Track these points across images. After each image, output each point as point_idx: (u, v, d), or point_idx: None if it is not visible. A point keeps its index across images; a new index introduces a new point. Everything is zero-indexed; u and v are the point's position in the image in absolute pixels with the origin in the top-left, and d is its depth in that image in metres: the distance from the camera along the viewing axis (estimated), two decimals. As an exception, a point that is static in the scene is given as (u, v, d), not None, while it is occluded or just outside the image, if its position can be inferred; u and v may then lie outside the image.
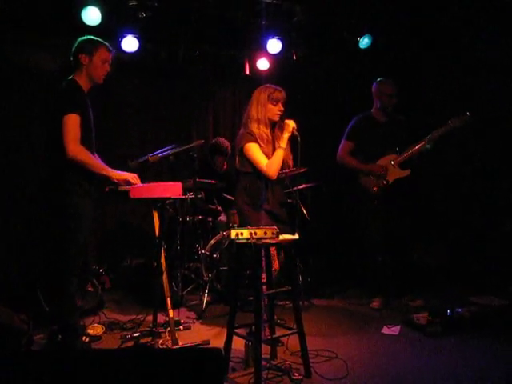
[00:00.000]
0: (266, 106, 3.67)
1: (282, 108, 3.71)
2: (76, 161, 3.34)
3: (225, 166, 5.92)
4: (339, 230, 6.35)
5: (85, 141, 3.41)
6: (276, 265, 3.86)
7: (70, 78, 3.55)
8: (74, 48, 3.57)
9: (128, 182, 3.54)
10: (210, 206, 5.58)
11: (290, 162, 3.82)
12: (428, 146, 4.60)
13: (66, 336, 3.47)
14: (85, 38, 3.60)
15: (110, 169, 3.52)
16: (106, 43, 3.63)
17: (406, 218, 4.87)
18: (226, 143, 5.78)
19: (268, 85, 3.77)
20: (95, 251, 6.02)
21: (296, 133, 3.62)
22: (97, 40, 3.60)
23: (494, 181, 5.41)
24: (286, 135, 3.64)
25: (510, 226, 5.22)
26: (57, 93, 3.48)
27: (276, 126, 3.80)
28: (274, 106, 3.68)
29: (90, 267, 5.35)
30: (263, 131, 3.69)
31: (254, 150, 3.65)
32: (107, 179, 3.51)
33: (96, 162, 3.45)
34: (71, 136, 3.31)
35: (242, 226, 3.60)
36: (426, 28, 5.64)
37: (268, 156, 3.68)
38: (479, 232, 5.55)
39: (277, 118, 3.73)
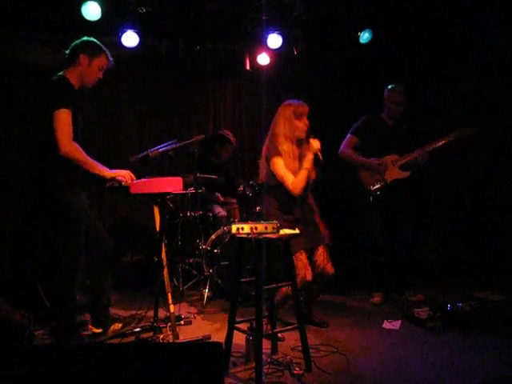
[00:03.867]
0: (292, 122, 3.77)
1: (307, 122, 3.81)
2: (69, 157, 3.32)
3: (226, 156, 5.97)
4: (339, 225, 6.34)
5: (74, 137, 3.39)
6: (309, 275, 3.71)
7: (60, 74, 3.51)
8: (75, 45, 3.55)
9: (121, 179, 3.52)
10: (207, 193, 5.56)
11: (313, 176, 3.87)
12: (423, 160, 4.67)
13: (63, 332, 3.47)
14: (89, 39, 3.59)
15: (102, 167, 3.50)
16: (107, 51, 3.64)
17: (407, 213, 4.87)
18: (231, 134, 5.90)
19: (291, 100, 3.86)
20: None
21: (319, 154, 3.71)
22: (100, 45, 3.61)
23: (494, 176, 5.41)
24: (311, 156, 3.72)
25: (510, 222, 5.22)
26: (47, 88, 3.45)
27: (303, 142, 3.86)
28: (300, 120, 3.77)
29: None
30: (290, 148, 3.79)
31: (280, 166, 3.75)
32: (100, 177, 3.49)
33: (89, 160, 3.42)
34: (64, 132, 3.29)
35: None
36: (427, 23, 5.63)
37: (294, 172, 3.75)
38: (480, 227, 5.55)
39: (303, 135, 3.80)
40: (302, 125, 3.78)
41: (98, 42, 3.63)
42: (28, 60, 5.43)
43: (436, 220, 6.01)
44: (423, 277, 5.31)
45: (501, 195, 5.36)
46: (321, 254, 3.85)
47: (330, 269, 3.84)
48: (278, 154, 3.76)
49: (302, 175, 3.70)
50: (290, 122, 3.77)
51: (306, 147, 3.80)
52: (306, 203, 3.94)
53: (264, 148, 3.93)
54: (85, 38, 3.59)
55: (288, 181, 3.72)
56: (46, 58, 5.37)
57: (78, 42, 3.58)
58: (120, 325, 3.92)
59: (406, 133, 4.90)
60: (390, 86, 4.87)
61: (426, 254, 5.84)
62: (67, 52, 3.57)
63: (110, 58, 3.67)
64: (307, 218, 3.89)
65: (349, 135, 4.91)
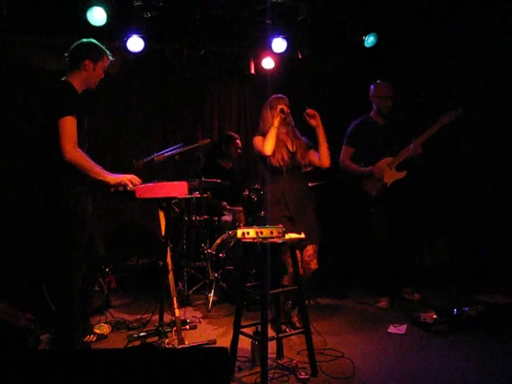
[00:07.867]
0: (268, 112, 4.23)
1: (281, 108, 4.10)
2: (73, 163, 3.32)
3: (236, 155, 6.08)
4: (345, 229, 6.34)
5: (79, 144, 3.39)
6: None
7: (64, 79, 3.51)
8: (77, 49, 3.53)
9: (125, 184, 3.52)
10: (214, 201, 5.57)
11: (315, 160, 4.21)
12: (417, 154, 4.69)
13: (65, 335, 3.47)
14: (91, 42, 3.57)
15: (106, 173, 3.50)
16: (108, 51, 3.64)
17: (407, 217, 4.90)
18: (233, 132, 6.10)
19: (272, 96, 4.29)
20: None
21: (283, 111, 4.08)
22: (101, 47, 3.59)
23: (496, 176, 5.39)
24: (276, 115, 4.10)
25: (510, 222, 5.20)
26: (52, 95, 3.44)
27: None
28: (275, 109, 4.15)
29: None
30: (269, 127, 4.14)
31: (258, 141, 4.16)
32: (104, 183, 3.49)
33: (93, 167, 3.42)
34: (68, 139, 3.29)
35: None
36: (427, 23, 5.63)
37: (276, 150, 4.10)
38: (480, 227, 5.53)
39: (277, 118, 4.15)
40: (276, 112, 4.13)
41: (99, 44, 3.60)
42: (28, 61, 5.44)
43: (437, 221, 6.00)
44: (427, 280, 5.31)
45: (502, 195, 5.35)
46: (309, 253, 4.08)
47: (313, 265, 4.09)
48: (260, 134, 4.19)
49: (270, 133, 4.06)
50: (267, 112, 4.23)
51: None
52: (300, 191, 4.17)
53: None
54: (86, 41, 3.55)
55: (260, 144, 4.10)
56: (49, 60, 5.39)
57: (79, 45, 3.54)
58: (95, 337, 3.95)
59: (403, 125, 4.92)
60: (376, 82, 4.94)
61: (429, 257, 5.83)
62: (68, 56, 3.54)
63: (111, 57, 3.67)
64: (304, 211, 4.12)
65: (344, 147, 4.98)
